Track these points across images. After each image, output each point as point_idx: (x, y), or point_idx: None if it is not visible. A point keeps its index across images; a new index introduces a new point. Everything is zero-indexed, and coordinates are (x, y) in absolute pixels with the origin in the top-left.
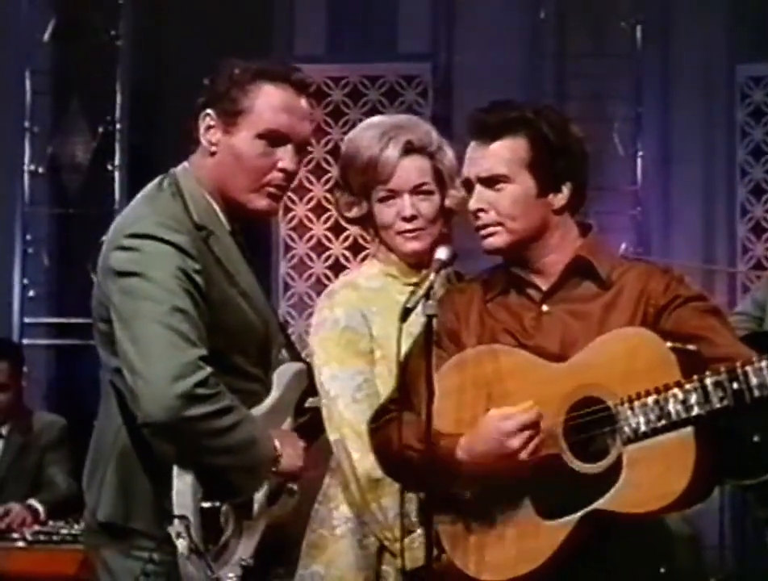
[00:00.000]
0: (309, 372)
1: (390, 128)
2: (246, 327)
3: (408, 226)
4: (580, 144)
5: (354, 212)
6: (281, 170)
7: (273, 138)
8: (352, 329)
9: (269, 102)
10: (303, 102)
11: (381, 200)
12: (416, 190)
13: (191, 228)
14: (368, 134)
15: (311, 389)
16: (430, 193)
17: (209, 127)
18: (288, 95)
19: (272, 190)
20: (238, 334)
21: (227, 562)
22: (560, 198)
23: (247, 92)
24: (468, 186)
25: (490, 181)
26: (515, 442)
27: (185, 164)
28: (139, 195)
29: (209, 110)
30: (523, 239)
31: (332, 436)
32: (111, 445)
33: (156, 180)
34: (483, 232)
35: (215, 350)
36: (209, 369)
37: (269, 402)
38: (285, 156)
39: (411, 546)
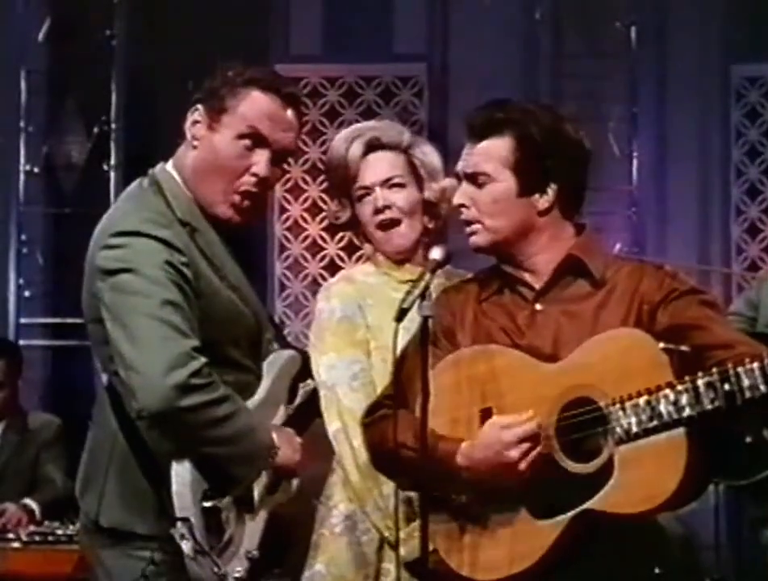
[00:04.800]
0: (301, 358)
1: (357, 130)
2: (237, 318)
3: (381, 217)
4: (574, 144)
5: (341, 218)
6: (254, 175)
7: (252, 139)
8: (349, 319)
9: (253, 106)
10: (290, 114)
11: (359, 199)
12: (387, 183)
13: (176, 223)
14: (338, 141)
15: (303, 374)
16: (402, 185)
17: (195, 122)
18: (275, 104)
19: (237, 198)
20: (229, 325)
21: (233, 557)
22: (544, 200)
23: (236, 93)
24: (458, 181)
25: (474, 178)
26: (513, 453)
27: (163, 164)
28: (121, 196)
29: (198, 106)
30: (506, 238)
31: (333, 426)
32: (109, 451)
33: (136, 181)
34: (467, 230)
35: (208, 342)
36: (202, 360)
37: (260, 393)
38: (260, 161)
39: (412, 535)
